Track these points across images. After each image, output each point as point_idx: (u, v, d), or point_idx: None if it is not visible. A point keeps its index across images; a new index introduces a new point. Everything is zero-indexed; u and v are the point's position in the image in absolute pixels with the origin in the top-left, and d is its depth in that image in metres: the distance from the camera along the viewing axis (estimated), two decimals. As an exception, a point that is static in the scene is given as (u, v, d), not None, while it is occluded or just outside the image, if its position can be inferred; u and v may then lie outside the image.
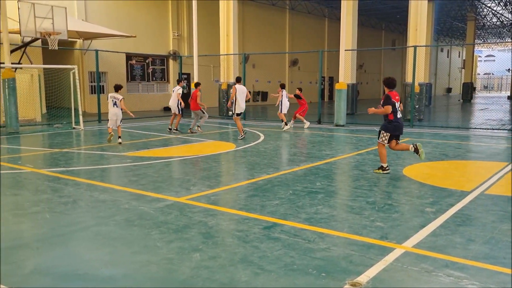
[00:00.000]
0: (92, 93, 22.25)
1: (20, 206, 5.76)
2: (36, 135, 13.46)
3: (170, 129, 14.33)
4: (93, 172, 7.93)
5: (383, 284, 3.54)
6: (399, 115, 7.66)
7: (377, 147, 8.10)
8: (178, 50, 26.10)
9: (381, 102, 7.64)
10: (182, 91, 14.25)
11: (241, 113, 12.57)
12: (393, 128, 7.66)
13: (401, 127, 7.78)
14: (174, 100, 14.14)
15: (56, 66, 16.54)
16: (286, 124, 15.25)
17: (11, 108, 13.48)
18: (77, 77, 15.16)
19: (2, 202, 5.86)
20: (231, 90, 12.73)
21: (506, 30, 49.78)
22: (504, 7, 37.61)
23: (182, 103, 14.06)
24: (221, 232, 4.75)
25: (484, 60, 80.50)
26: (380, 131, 7.79)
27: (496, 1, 35.52)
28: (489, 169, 8.21)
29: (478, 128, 15.53)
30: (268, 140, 12.32)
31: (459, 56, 59.68)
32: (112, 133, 11.36)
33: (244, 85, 14.47)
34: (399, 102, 7.69)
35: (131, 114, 11.66)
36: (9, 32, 13.89)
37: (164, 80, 26.39)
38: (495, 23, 45.18)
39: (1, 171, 7.80)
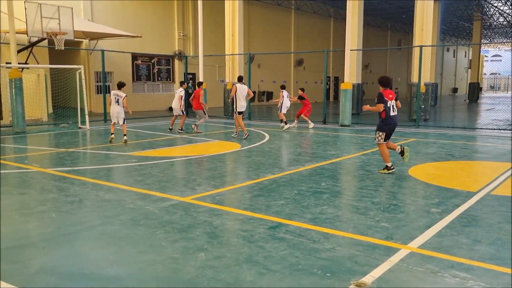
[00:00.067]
0: (98, 93, 22.36)
1: (26, 205, 5.80)
2: (42, 135, 13.53)
3: (170, 129, 14.41)
4: (98, 171, 7.96)
5: (388, 284, 3.53)
6: (392, 113, 7.71)
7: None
8: (183, 50, 26.15)
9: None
10: (186, 92, 14.31)
11: (242, 111, 12.64)
12: (387, 128, 7.75)
13: (394, 127, 7.84)
14: (176, 102, 14.22)
15: (63, 66, 16.62)
16: (286, 123, 15.25)
17: (17, 107, 13.58)
18: (83, 77, 15.23)
19: (9, 201, 5.91)
20: (232, 88, 12.85)
21: (512, 29, 49.48)
22: (511, 7, 37.36)
23: (182, 106, 14.13)
24: (226, 232, 4.76)
25: (491, 60, 79.94)
26: (376, 131, 7.88)
27: (502, 1, 35.30)
28: (495, 170, 8.17)
29: (484, 129, 15.44)
30: (273, 140, 12.32)
31: (465, 56, 59.37)
32: (113, 134, 11.45)
33: (249, 85, 14.49)
34: (394, 100, 7.78)
35: (130, 112, 11.75)
36: (16, 32, 13.99)
37: (170, 80, 26.46)
38: (501, 22, 44.90)
39: (8, 171, 7.86)
